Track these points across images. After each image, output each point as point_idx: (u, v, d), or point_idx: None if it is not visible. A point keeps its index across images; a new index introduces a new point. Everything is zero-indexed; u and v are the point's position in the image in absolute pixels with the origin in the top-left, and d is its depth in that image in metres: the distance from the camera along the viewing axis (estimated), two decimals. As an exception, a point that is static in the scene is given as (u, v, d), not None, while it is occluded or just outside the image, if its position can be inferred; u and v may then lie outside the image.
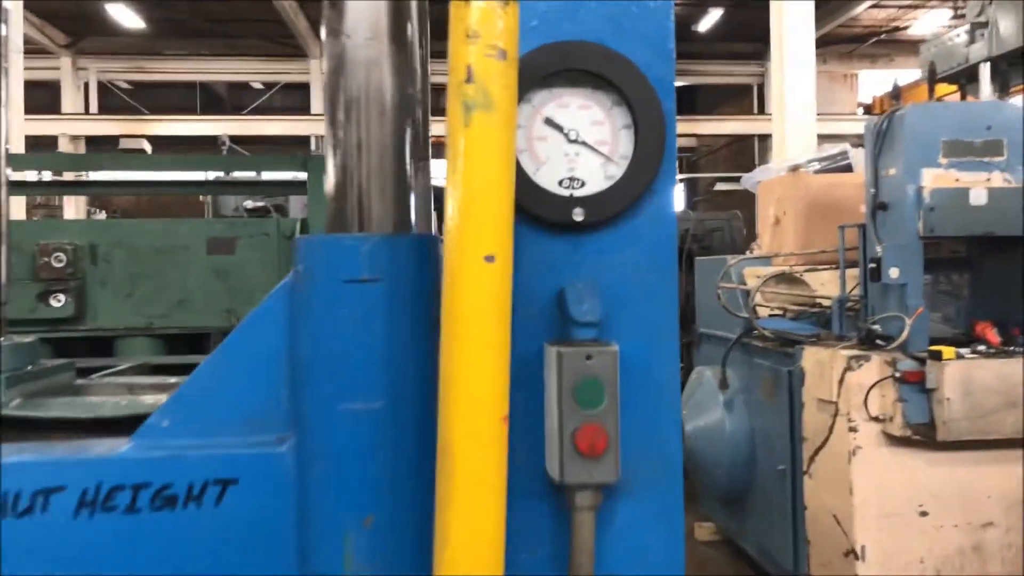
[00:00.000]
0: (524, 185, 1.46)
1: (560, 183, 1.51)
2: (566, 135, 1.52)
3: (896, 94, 5.10)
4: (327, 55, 1.51)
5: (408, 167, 1.56)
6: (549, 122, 1.52)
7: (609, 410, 1.36)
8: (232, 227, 5.07)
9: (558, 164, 1.52)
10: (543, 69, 1.49)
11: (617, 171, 1.52)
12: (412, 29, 1.60)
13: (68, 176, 11.39)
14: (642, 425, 1.51)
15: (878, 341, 4.01)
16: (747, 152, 20.82)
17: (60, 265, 4.83)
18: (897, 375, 3.85)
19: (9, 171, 5.86)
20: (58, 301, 4.86)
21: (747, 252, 9.09)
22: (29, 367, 2.48)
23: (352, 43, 1.48)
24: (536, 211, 1.49)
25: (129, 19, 18.41)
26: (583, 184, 1.52)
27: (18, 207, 11.30)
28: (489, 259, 1.20)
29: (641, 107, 1.51)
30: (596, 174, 1.52)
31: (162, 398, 1.82)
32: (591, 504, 1.40)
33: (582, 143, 1.52)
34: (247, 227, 5.08)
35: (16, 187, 5.84)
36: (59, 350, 4.73)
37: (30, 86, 17.44)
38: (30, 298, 4.79)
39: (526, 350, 1.47)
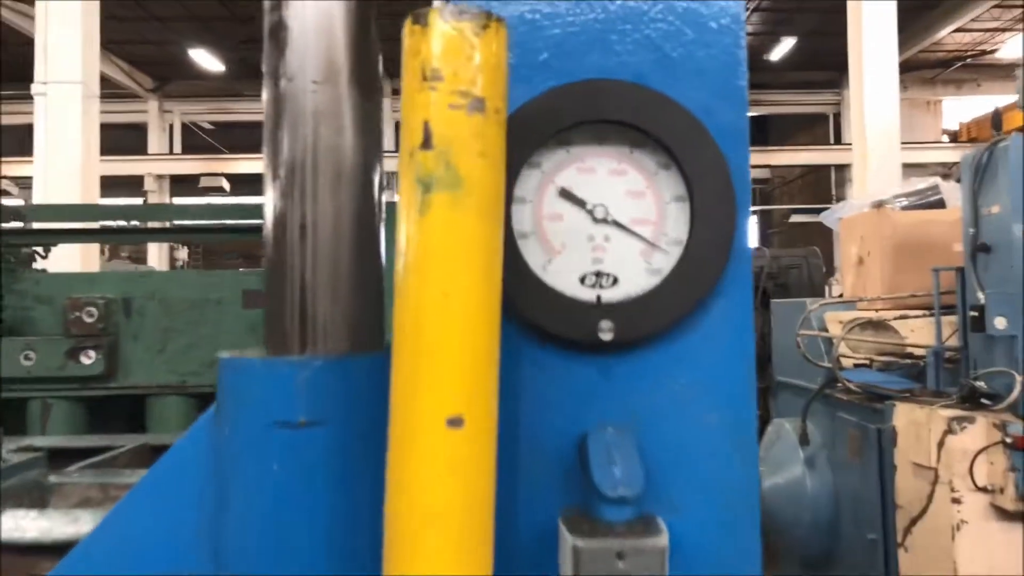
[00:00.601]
0: (528, 286, 1.02)
1: (582, 280, 1.06)
2: (591, 212, 1.06)
3: (997, 124, 4.61)
4: (265, 101, 1.10)
5: (381, 254, 1.14)
6: (566, 194, 1.06)
7: (651, 639, 0.89)
8: (268, 279, 4.79)
9: (579, 254, 1.06)
10: (557, 120, 1.04)
11: (666, 263, 1.06)
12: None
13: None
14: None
15: (983, 400, 3.60)
16: (823, 182, 20.20)
17: (91, 320, 4.68)
18: (1008, 440, 3.41)
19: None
20: (88, 358, 4.71)
21: (826, 288, 8.65)
22: (-10, 466, 2.18)
23: (296, 87, 1.07)
24: (545, 325, 1.03)
25: (210, 63, 19.64)
26: (615, 281, 1.06)
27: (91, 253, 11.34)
28: (454, 423, 0.75)
29: (699, 171, 1.05)
30: (635, 267, 1.06)
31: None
32: None
33: (614, 223, 1.06)
34: (284, 279, 4.79)
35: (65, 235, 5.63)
36: (91, 408, 4.56)
37: (120, 128, 18.34)
38: (59, 355, 4.65)
39: (534, 524, 1.01)
